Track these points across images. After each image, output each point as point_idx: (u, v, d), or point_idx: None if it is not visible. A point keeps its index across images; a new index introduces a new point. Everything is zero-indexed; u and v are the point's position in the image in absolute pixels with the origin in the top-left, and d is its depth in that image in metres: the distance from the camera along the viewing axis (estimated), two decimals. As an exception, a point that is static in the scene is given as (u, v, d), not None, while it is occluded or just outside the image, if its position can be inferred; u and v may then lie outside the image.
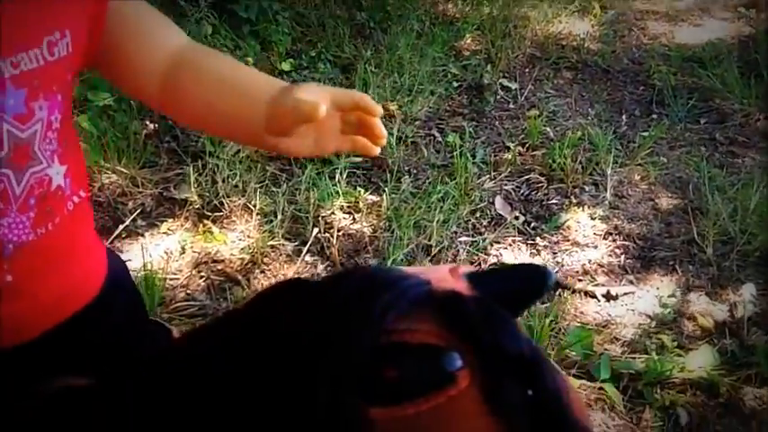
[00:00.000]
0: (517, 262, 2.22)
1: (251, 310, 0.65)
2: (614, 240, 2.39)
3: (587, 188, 2.59)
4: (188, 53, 0.91)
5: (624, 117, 2.97)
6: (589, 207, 2.51)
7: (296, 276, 2.10)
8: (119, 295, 0.98)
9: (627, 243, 2.38)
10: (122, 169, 2.37)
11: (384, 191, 2.42)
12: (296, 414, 0.53)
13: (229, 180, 2.39)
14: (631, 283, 2.23)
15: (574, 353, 1.93)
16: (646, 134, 2.84)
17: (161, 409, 0.63)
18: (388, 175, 2.52)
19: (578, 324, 2.04)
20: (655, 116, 2.99)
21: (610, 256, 2.33)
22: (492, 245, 2.32)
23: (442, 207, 2.39)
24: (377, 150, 0.84)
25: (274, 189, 2.38)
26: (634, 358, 1.96)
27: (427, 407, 0.51)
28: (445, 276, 0.59)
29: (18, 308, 0.83)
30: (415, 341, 0.53)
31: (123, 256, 1.90)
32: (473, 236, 2.35)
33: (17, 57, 0.74)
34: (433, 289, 0.56)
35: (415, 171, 2.59)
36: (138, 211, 2.26)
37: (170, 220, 2.27)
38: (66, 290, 0.90)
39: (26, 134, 0.77)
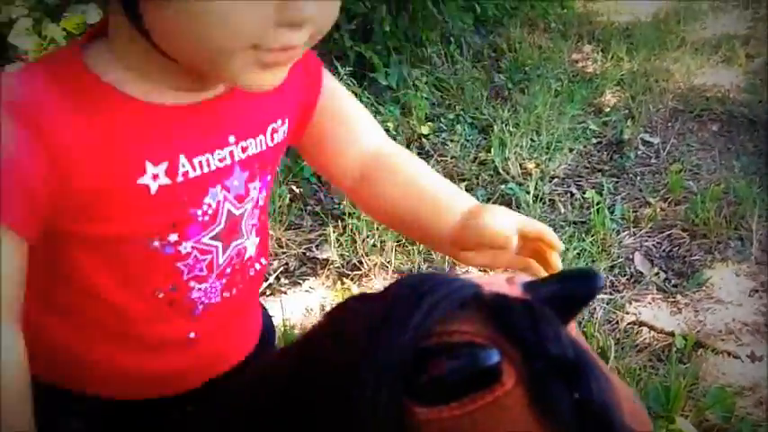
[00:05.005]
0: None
1: (316, 327, 0.68)
2: (761, 298, 2.29)
3: (732, 243, 2.50)
4: (383, 153, 0.97)
5: (773, 169, 2.86)
6: (734, 263, 2.42)
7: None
8: (266, 349, 1.06)
9: (775, 301, 2.28)
10: (270, 231, 2.50)
11: (519, 249, 2.42)
12: (341, 415, 0.54)
13: (368, 240, 2.48)
14: (780, 343, 2.14)
15: (713, 415, 1.86)
16: (796, 186, 2.72)
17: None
18: (524, 233, 2.52)
19: (719, 385, 1.97)
20: (807, 168, 2.86)
21: (756, 314, 2.23)
22: (630, 302, 2.28)
23: (578, 264, 2.37)
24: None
25: (411, 247, 2.44)
26: (780, 422, 1.87)
27: (473, 407, 0.51)
28: (499, 283, 0.60)
29: (193, 362, 0.91)
30: (459, 341, 0.54)
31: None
32: (611, 293, 2.31)
33: (247, 142, 0.82)
34: (480, 292, 0.57)
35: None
36: (281, 270, 2.38)
37: (311, 278, 2.38)
38: (234, 346, 0.97)
39: (239, 212, 0.85)
